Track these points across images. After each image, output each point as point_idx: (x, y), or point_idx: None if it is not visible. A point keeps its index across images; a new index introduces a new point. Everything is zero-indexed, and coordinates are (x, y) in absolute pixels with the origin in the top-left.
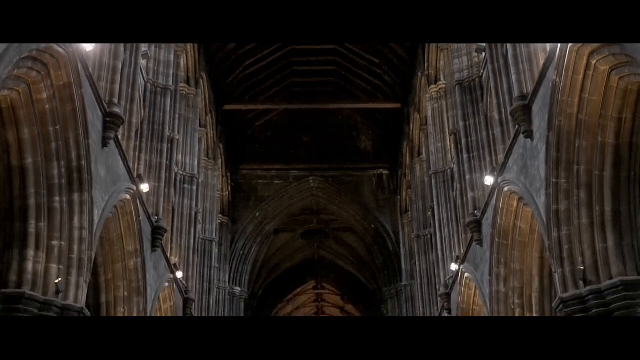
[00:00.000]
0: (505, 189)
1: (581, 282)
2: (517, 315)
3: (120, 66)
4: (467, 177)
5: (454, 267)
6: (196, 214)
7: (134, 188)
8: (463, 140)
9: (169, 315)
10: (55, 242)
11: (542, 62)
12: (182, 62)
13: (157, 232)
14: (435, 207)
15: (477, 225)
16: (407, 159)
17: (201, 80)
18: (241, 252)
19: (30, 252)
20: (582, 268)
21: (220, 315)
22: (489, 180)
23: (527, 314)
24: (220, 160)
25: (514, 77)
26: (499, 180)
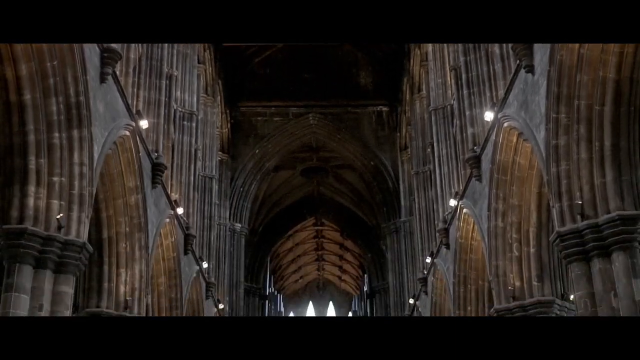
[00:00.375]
0: (505, 124)
1: (579, 217)
2: (514, 249)
3: None
4: (467, 113)
5: (452, 202)
6: (196, 150)
7: (133, 124)
8: (463, 76)
9: (171, 250)
10: (55, 178)
11: None
12: None
13: (157, 168)
14: (435, 144)
15: (476, 161)
16: (407, 95)
17: None
18: (241, 189)
19: (31, 188)
20: (580, 203)
21: (221, 251)
22: (488, 115)
23: (525, 249)
24: (219, 97)
25: None
26: (499, 115)
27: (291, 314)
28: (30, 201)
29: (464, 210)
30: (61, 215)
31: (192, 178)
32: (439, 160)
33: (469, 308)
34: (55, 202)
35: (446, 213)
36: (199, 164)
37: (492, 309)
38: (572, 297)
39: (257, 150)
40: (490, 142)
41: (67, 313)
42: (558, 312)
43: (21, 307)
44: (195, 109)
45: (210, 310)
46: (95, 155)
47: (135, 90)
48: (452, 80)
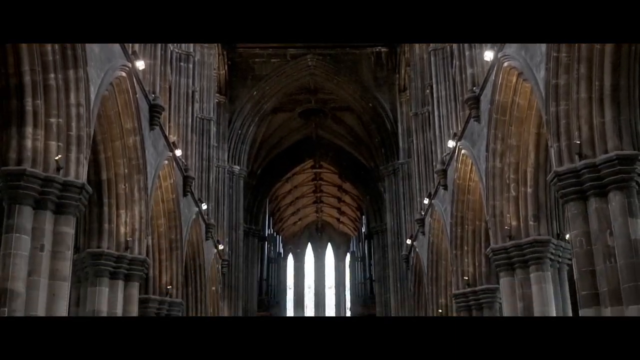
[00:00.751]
0: (505, 64)
1: (577, 156)
2: (511, 189)
3: None
4: (467, 53)
5: (451, 144)
6: (193, 92)
7: (129, 65)
8: None
9: (170, 192)
10: (53, 120)
11: None
12: None
13: (154, 110)
14: (434, 85)
15: (475, 101)
16: None
17: None
18: (239, 132)
19: (29, 130)
20: (579, 142)
21: (220, 193)
22: (488, 55)
23: (522, 189)
24: None
25: None
26: (499, 55)
27: (290, 256)
28: (28, 143)
29: (462, 151)
30: (59, 156)
31: (189, 120)
32: (438, 102)
33: (465, 248)
34: (53, 144)
35: (444, 154)
36: (196, 106)
37: (488, 249)
38: (567, 236)
39: (254, 92)
40: (489, 83)
41: (69, 253)
42: (553, 252)
43: (22, 247)
44: (191, 50)
45: (210, 251)
46: (92, 96)
47: None
48: None
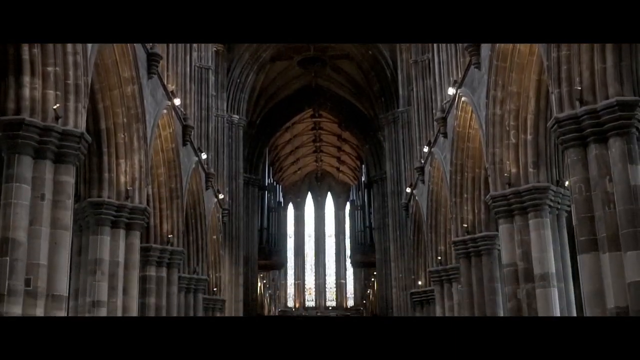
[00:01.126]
0: None
1: (577, 102)
2: (511, 136)
3: None
4: None
5: (451, 91)
6: None
7: None
8: None
9: (169, 141)
10: (50, 68)
11: None
12: None
13: (152, 58)
14: None
15: (476, 48)
16: None
17: None
18: (238, 81)
19: (26, 79)
20: (579, 88)
21: (220, 142)
22: None
23: (522, 136)
24: None
25: None
26: None
27: (290, 205)
28: (26, 92)
29: (463, 98)
30: (58, 105)
31: (187, 69)
32: (438, 49)
33: (465, 196)
34: (51, 93)
35: (444, 102)
36: (194, 54)
37: (487, 196)
38: (567, 183)
39: None
40: None
41: (70, 202)
42: (552, 198)
43: (22, 197)
44: None
45: (210, 200)
46: (89, 44)
47: None
48: None
